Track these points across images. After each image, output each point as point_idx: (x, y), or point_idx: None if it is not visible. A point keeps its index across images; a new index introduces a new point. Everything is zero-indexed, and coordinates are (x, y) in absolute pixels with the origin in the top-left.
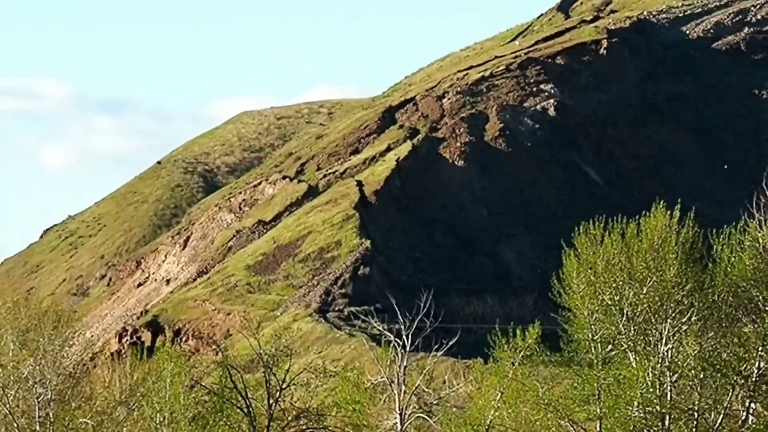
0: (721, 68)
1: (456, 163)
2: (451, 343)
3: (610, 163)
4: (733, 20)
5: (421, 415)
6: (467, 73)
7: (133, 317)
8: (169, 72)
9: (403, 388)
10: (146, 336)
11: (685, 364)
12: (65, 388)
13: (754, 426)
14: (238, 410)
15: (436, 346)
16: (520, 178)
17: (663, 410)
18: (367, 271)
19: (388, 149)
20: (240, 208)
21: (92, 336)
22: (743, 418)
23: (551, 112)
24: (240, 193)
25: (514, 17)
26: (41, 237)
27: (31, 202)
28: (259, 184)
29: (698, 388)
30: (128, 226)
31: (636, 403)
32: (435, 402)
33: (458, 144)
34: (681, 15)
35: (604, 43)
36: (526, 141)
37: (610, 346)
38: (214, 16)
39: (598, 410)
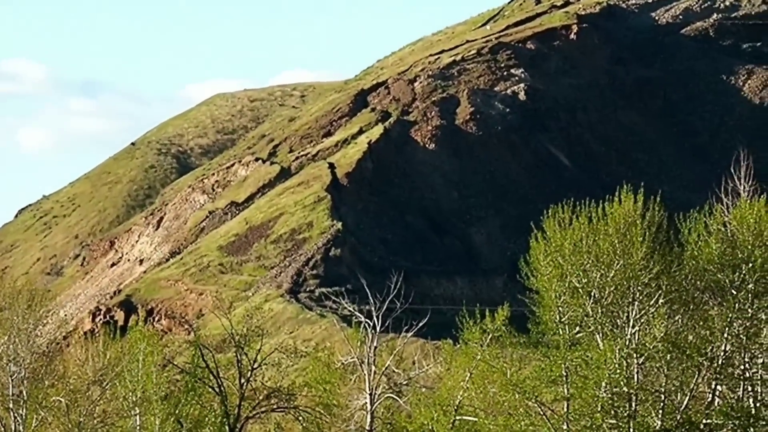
0: (689, 54)
1: (427, 146)
2: (420, 325)
3: (579, 147)
4: (702, 6)
5: (391, 395)
6: (439, 57)
7: (107, 297)
8: (145, 55)
9: (373, 368)
10: (119, 315)
11: (651, 346)
12: (38, 366)
13: (719, 408)
14: (210, 389)
15: (406, 327)
16: (491, 162)
17: (630, 392)
18: (339, 253)
19: (360, 132)
20: (213, 190)
21: (66, 315)
22: (709, 399)
23: (521, 96)
24: (213, 174)
25: (485, 2)
26: (16, 216)
27: (6, 182)
28: (232, 165)
29: (665, 370)
30: (102, 207)
31: (603, 385)
32: (405, 382)
33: (429, 127)
34: (650, 1)
35: (574, 28)
36: (496, 125)
37: (577, 328)
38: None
39: (566, 391)
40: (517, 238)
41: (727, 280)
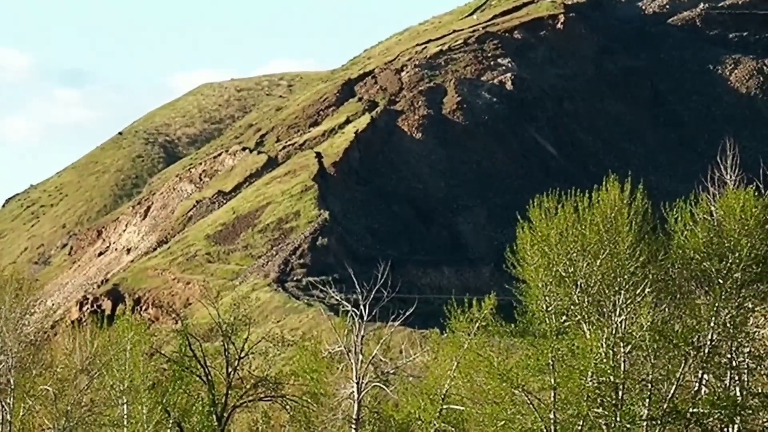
0: (676, 44)
1: (414, 135)
2: (407, 314)
3: (566, 136)
4: None
5: (378, 384)
6: (426, 47)
7: (94, 286)
8: (132, 44)
9: (360, 357)
10: (107, 304)
11: (638, 335)
12: (26, 355)
13: (706, 397)
14: (198, 378)
15: (393, 317)
16: (478, 151)
17: (616, 381)
18: (326, 242)
19: (347, 121)
20: (200, 179)
21: (53, 304)
22: (696, 389)
23: (508, 86)
24: (200, 164)
25: None
26: (3, 206)
27: None
28: (219, 155)
29: (651, 359)
30: (89, 196)
31: (590, 374)
32: (392, 371)
33: (416, 117)
34: None
35: (561, 17)
36: (483, 114)
37: (564, 317)
38: None
39: (552, 380)
40: (504, 228)
41: (713, 269)
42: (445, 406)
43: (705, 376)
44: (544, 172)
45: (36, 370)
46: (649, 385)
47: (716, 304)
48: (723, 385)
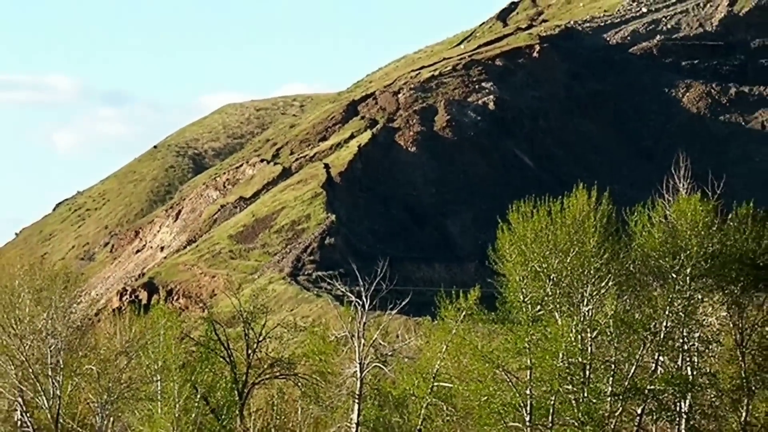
0: (636, 70)
1: (409, 149)
2: (403, 304)
3: (541, 150)
4: (647, 29)
5: (378, 364)
6: (419, 72)
7: (132, 279)
8: (165, 69)
9: (363, 341)
10: (143, 295)
11: (603, 323)
12: (73, 339)
13: (661, 376)
14: (222, 359)
15: (391, 306)
16: (464, 163)
17: (584, 362)
18: (333, 241)
19: (352, 137)
20: (224, 186)
21: (97, 295)
22: (653, 369)
23: (491, 106)
24: (224, 173)
25: (459, 24)
26: (54, 210)
27: (45, 180)
28: (241, 165)
29: (614, 343)
30: (128, 201)
31: (561, 356)
32: (390, 353)
33: (411, 133)
34: (602, 24)
35: (537, 47)
36: (469, 131)
37: (538, 307)
38: (205, 23)
39: (529, 361)
40: (487, 229)
41: (668, 265)
42: (435, 384)
43: (661, 357)
44: (522, 181)
45: (82, 352)
46: (613, 365)
47: (670, 296)
48: (676, 366)
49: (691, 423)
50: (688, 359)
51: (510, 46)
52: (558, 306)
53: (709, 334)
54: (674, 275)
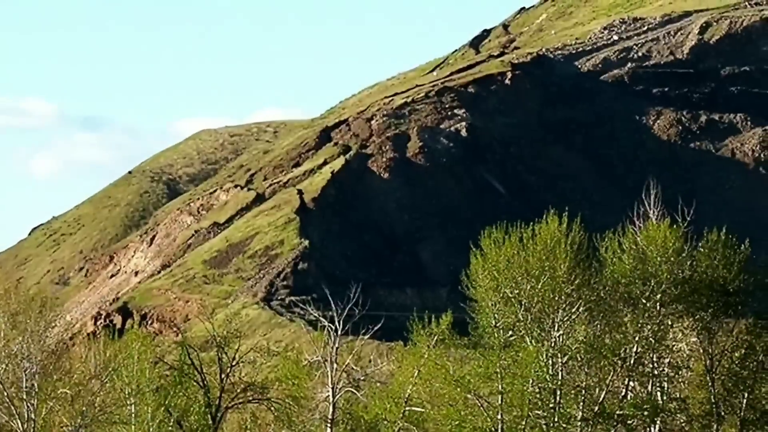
0: (608, 97)
1: (382, 175)
2: (376, 328)
3: (513, 176)
4: (618, 56)
5: (350, 389)
6: (392, 99)
7: (107, 303)
8: (140, 95)
9: (335, 366)
10: (117, 319)
11: (573, 348)
12: (48, 363)
13: (631, 401)
14: (195, 383)
15: (364, 331)
16: (437, 189)
17: (555, 387)
18: (306, 267)
19: (325, 163)
20: (198, 212)
21: (72, 319)
22: (623, 394)
23: (463, 132)
24: (198, 198)
25: (432, 52)
26: (29, 234)
27: (21, 204)
28: (215, 191)
29: (585, 369)
30: (103, 226)
31: (531, 381)
32: (362, 378)
33: (384, 159)
34: (574, 51)
35: (509, 74)
36: (442, 157)
37: (510, 332)
38: (178, 49)
39: (500, 386)
40: (459, 255)
41: (638, 291)
42: (407, 408)
43: (631, 383)
44: (494, 207)
45: (56, 376)
46: (583, 390)
47: (640, 321)
48: (646, 391)
49: None
50: (658, 384)
51: (482, 73)
52: (529, 331)
53: (679, 360)
54: (644, 301)
